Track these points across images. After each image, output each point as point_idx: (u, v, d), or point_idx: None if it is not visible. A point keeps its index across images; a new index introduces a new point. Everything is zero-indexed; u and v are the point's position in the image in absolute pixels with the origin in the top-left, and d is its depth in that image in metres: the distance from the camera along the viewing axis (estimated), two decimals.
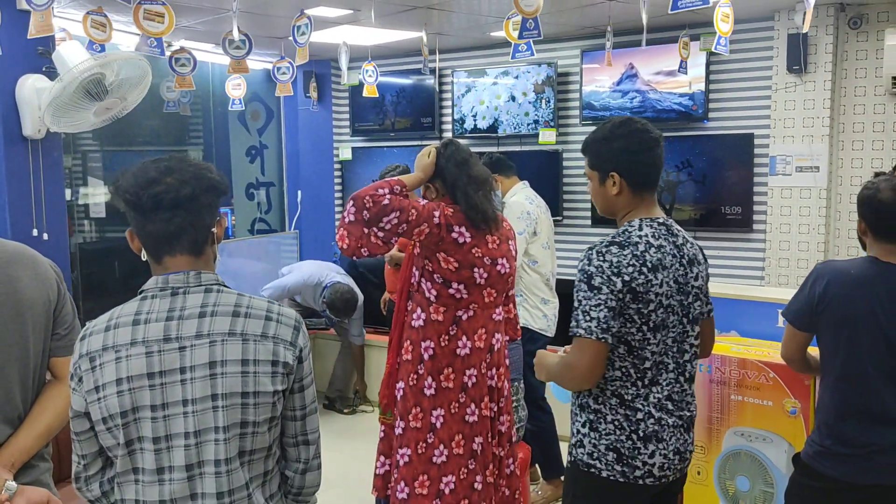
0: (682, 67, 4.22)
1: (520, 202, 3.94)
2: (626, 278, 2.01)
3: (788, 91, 4.88)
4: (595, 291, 2.01)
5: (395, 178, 2.65)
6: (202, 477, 1.55)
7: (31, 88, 3.47)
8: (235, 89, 5.36)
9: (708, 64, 5.12)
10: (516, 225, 3.80)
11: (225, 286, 1.64)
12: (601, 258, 2.04)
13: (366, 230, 2.53)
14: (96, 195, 5.97)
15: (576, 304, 2.07)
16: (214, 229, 1.65)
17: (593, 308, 2.01)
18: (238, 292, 1.65)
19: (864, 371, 2.29)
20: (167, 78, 4.81)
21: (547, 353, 2.32)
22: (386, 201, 2.51)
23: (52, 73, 3.54)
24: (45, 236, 3.65)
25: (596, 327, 2.01)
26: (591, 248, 2.08)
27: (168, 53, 4.23)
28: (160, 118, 5.76)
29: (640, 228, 2.11)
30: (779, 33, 4.88)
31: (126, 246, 1.68)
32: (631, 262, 2.03)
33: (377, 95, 5.22)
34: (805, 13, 3.38)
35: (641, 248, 2.05)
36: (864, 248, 2.43)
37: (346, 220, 2.55)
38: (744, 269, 5.21)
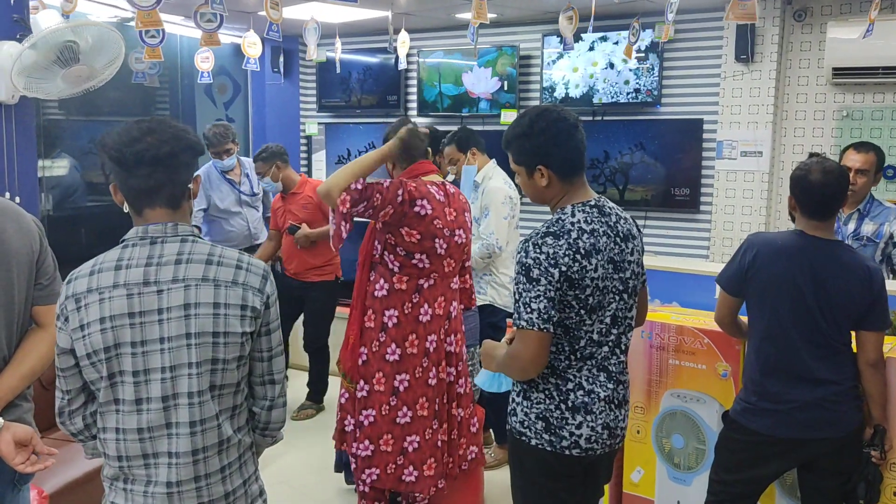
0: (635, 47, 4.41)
1: (501, 187, 4.00)
2: (563, 268, 2.04)
3: (736, 79, 5.12)
4: (534, 283, 2.03)
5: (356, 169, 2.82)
6: (176, 408, 1.71)
7: (6, 55, 3.50)
8: (204, 62, 5.43)
9: (661, 51, 5.32)
10: (500, 210, 3.93)
11: (199, 237, 1.80)
12: (538, 250, 2.05)
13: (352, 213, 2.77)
14: (60, 167, 5.93)
15: (516, 296, 2.08)
16: (191, 185, 1.80)
17: (533, 300, 2.03)
18: (211, 243, 1.81)
19: (787, 332, 2.51)
20: (136, 49, 4.86)
21: (494, 343, 2.33)
22: (356, 196, 2.73)
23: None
24: (17, 199, 3.71)
25: (537, 318, 2.02)
26: (527, 240, 2.10)
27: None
28: (127, 89, 5.74)
29: (573, 214, 2.12)
30: (728, 24, 5.09)
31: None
32: (566, 252, 2.05)
33: (324, 60, 5.02)
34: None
35: (574, 235, 2.07)
36: (794, 221, 2.68)
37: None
38: (690, 248, 5.47)
